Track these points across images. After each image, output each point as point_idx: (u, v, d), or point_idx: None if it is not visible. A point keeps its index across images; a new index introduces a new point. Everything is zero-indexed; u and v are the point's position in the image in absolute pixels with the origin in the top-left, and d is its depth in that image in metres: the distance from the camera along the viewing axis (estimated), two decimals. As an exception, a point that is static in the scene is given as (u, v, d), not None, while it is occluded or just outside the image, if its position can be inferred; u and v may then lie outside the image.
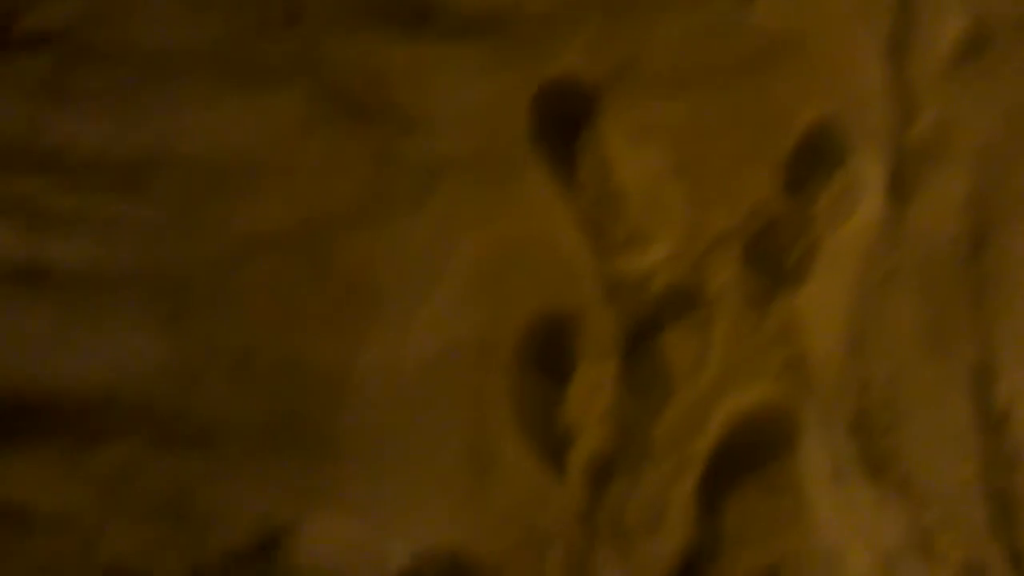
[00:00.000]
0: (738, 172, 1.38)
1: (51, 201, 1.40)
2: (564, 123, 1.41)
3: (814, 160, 1.38)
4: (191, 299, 1.40)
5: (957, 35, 1.39)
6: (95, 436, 1.39)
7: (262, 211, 1.40)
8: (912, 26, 1.40)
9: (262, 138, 1.41)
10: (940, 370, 1.28)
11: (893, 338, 1.30)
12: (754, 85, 1.39)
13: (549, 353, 1.37)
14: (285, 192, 1.40)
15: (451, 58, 1.41)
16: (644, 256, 1.38)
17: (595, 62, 1.40)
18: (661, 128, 1.40)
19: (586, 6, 1.42)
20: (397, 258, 1.39)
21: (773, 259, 1.37)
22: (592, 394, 1.35)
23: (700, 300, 1.36)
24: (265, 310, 1.40)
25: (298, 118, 1.41)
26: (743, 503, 1.30)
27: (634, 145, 1.40)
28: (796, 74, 1.39)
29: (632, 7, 1.42)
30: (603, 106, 1.40)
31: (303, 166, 1.41)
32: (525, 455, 1.34)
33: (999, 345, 1.30)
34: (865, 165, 1.38)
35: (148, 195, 1.40)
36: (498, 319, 1.38)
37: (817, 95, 1.39)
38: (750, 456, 1.31)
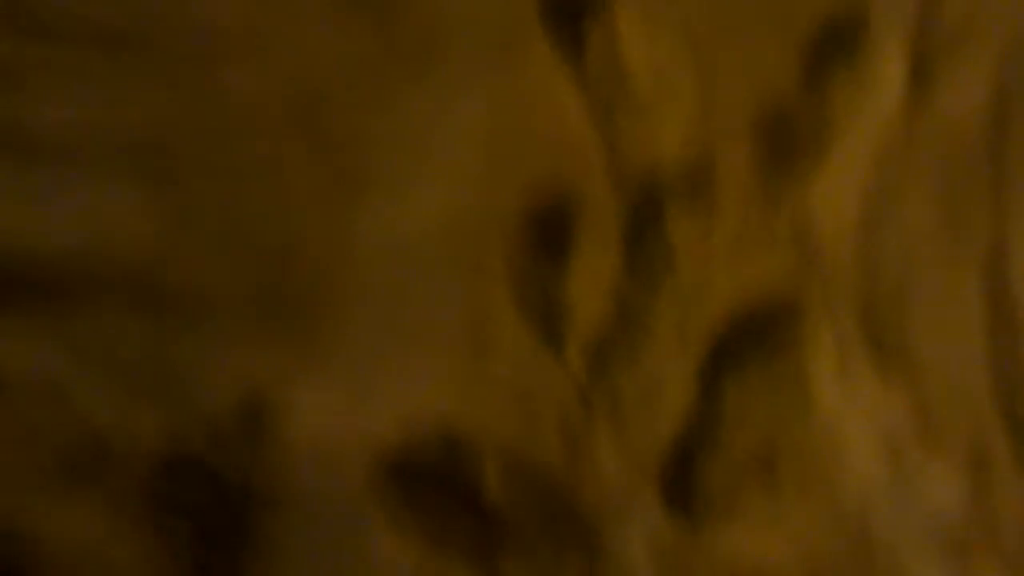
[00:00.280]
0: (754, 55, 1.38)
1: (28, 60, 1.38)
2: (575, -2, 1.41)
3: (834, 47, 1.38)
4: (175, 167, 1.37)
5: (985, -80, 1.41)
6: (71, 299, 1.37)
7: (254, 80, 1.36)
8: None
9: (257, 3, 1.40)
10: (953, 258, 1.28)
11: (907, 228, 1.30)
12: (774, -32, 1.40)
13: (550, 232, 1.35)
14: (278, 61, 1.38)
15: (459, -77, 1.41)
16: (652, 137, 1.38)
17: (610, -67, 1.41)
18: (675, 7, 1.39)
19: None
20: (394, 130, 1.38)
21: (786, 145, 1.37)
22: (593, 273, 1.33)
23: (708, 185, 1.36)
24: (253, 180, 1.39)
25: (297, -18, 1.41)
26: (744, 386, 1.29)
27: (646, 24, 1.39)
28: (818, -42, 1.40)
29: None
30: (615, -19, 1.41)
31: (299, 34, 1.39)
32: (523, 332, 1.33)
33: (1016, 235, 1.30)
34: (887, 53, 1.38)
35: (133, 59, 1.37)
36: (498, 196, 1.36)
37: (839, -20, 1.39)
38: (754, 340, 1.30)
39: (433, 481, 1.31)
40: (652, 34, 1.39)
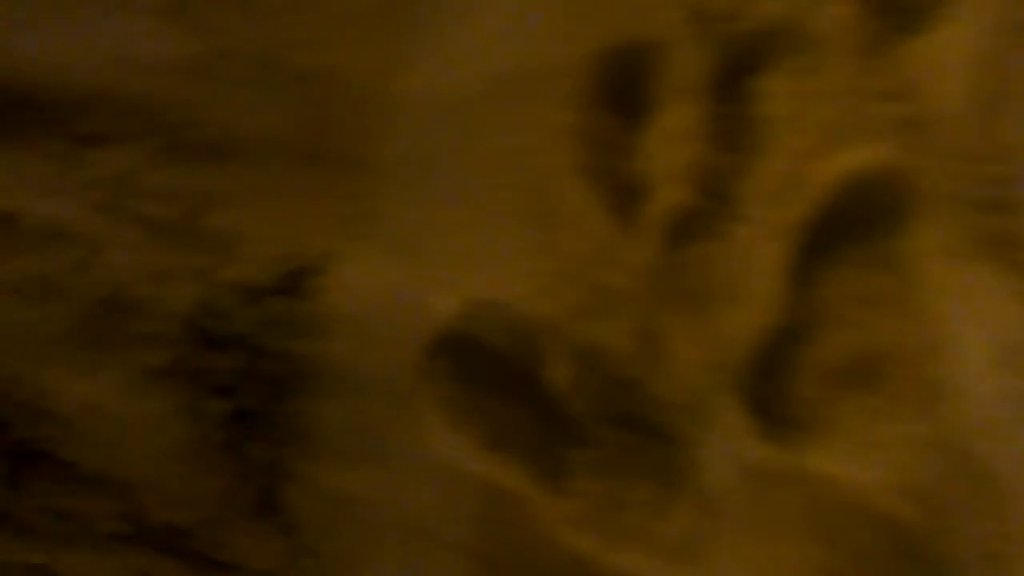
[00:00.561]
0: None
1: None
2: None
3: None
4: (211, 3, 1.27)
5: None
6: (92, 139, 1.26)
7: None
8: None
9: None
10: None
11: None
12: None
13: (624, 88, 1.19)
14: None
15: None
16: (747, -18, 1.23)
17: None
18: None
19: None
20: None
21: (898, -3, 1.21)
22: (672, 140, 1.19)
23: (806, 40, 1.20)
24: (292, 11, 1.27)
25: None
26: (842, 278, 1.15)
27: None
28: None
29: None
30: None
31: None
32: (592, 204, 1.20)
33: None
34: None
35: None
36: (566, 45, 1.21)
37: None
38: (854, 226, 1.16)
39: (492, 366, 1.21)
40: None
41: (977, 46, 1.15)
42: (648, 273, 1.17)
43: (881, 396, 1.11)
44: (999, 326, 1.09)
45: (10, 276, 1.25)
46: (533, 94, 1.19)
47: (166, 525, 1.19)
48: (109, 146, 1.25)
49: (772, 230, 1.15)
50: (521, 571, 1.13)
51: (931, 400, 1.10)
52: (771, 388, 1.13)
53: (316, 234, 1.21)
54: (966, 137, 1.14)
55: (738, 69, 1.20)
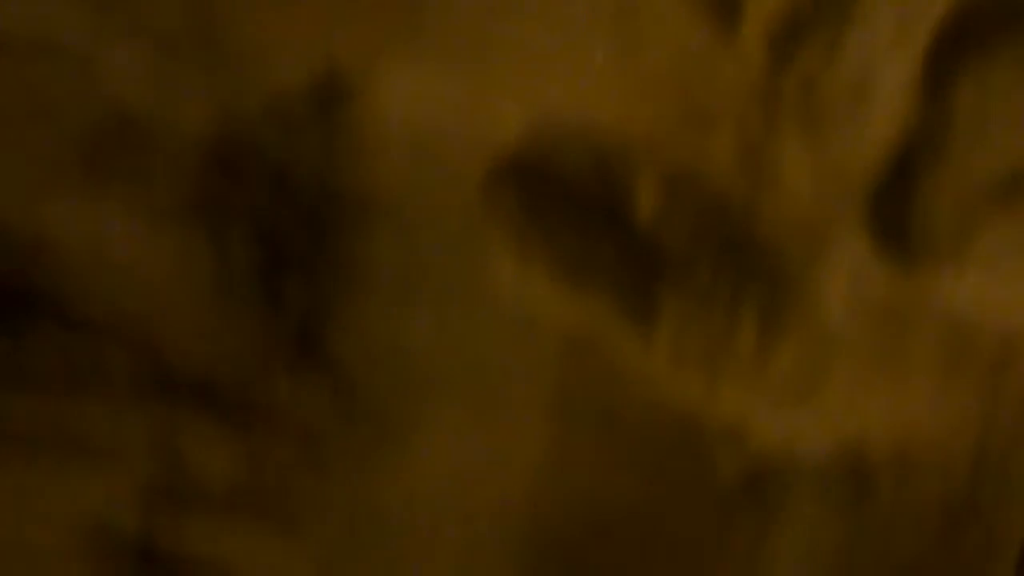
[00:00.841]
0: None
1: None
2: None
3: None
4: None
5: None
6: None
7: None
8: None
9: None
10: None
11: None
12: None
13: None
14: None
15: None
16: None
17: None
18: None
19: None
20: None
21: None
22: (778, -73, 1.08)
23: None
24: None
25: None
26: (982, 86, 1.03)
27: None
28: None
29: None
30: None
31: None
32: (684, 9, 1.08)
33: None
34: None
35: None
36: None
37: None
38: (997, 25, 1.04)
39: (569, 194, 1.07)
40: None
41: None
42: (750, 88, 1.03)
43: (1029, 220, 0.98)
44: None
45: (-4, 94, 1.10)
46: None
47: (194, 378, 1.05)
48: (106, -59, 1.09)
49: (899, 28, 1.02)
50: (608, 428, 1.00)
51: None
52: (896, 213, 1.00)
53: (356, 43, 1.07)
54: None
55: None
